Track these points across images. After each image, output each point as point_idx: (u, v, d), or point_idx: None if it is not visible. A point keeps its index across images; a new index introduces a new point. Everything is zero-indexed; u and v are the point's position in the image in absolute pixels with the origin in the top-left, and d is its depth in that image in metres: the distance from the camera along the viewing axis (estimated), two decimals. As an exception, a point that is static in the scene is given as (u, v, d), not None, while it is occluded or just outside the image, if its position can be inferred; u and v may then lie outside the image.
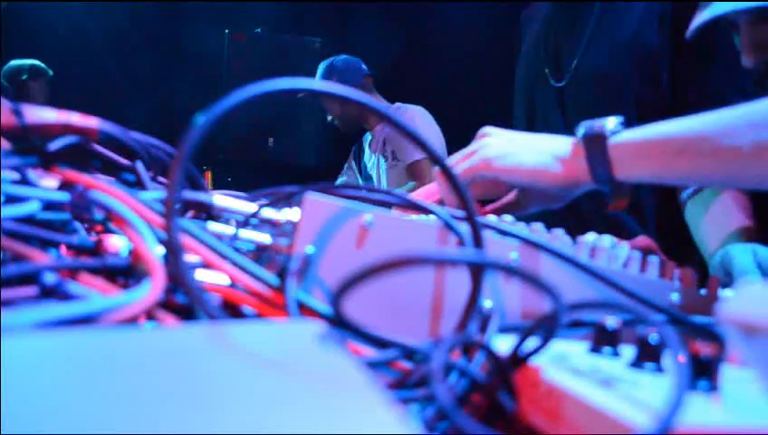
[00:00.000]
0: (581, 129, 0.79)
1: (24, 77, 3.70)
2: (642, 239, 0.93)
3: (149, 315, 0.39)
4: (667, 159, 0.75)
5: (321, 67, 3.11)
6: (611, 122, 0.78)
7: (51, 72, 3.80)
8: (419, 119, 2.93)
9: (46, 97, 3.70)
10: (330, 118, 3.22)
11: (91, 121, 0.53)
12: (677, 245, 1.03)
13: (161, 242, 0.43)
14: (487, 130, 0.86)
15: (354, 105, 0.47)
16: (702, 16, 0.99)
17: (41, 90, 3.72)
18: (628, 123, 0.79)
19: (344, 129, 3.17)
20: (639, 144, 0.77)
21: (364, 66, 3.15)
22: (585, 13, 1.36)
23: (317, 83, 0.44)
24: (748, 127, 0.72)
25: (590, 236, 0.69)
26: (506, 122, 1.04)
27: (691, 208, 1.22)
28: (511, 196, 0.89)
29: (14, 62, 3.75)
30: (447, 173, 0.47)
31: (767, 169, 0.72)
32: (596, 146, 0.77)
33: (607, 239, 0.70)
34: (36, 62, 3.77)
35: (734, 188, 1.15)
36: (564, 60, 1.38)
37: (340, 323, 0.42)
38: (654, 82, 1.28)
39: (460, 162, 0.84)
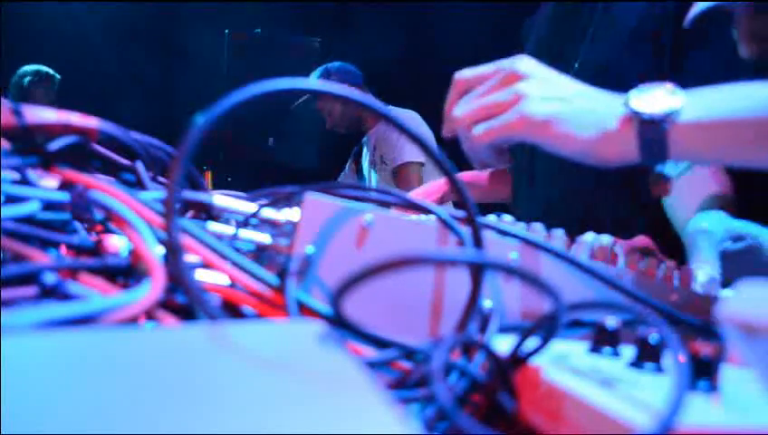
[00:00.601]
0: (631, 107, 0.67)
1: (27, 80, 3.68)
2: (641, 239, 0.93)
3: (149, 315, 0.39)
4: (735, 148, 0.67)
5: (317, 73, 3.11)
6: (673, 102, 0.66)
7: (58, 77, 3.76)
8: (410, 123, 2.90)
9: (51, 102, 3.67)
10: (328, 125, 3.20)
11: (91, 121, 0.53)
12: (671, 243, 1.02)
13: (161, 242, 0.43)
14: (521, 68, 0.72)
15: (353, 106, 0.46)
16: (700, 5, 0.98)
17: (45, 94, 3.69)
18: None
19: (343, 131, 3.16)
20: (705, 128, 0.66)
21: (358, 71, 3.15)
22: (588, 9, 1.36)
23: (317, 83, 0.44)
24: None
25: (590, 236, 0.69)
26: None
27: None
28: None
29: (21, 69, 3.73)
30: (447, 173, 0.47)
31: None
32: (653, 130, 0.66)
33: (605, 239, 0.70)
34: (41, 67, 3.75)
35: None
36: (568, 58, 1.38)
37: (340, 323, 0.42)
38: (658, 72, 1.28)
39: (494, 111, 0.70)
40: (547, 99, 0.69)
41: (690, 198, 1.12)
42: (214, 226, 0.50)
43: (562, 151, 0.70)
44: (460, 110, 0.73)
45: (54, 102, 3.62)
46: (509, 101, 0.70)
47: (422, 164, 2.91)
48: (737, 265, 0.91)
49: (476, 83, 0.74)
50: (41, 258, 0.41)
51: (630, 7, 1.31)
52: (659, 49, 1.28)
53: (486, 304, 0.51)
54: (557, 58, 1.40)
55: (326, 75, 3.06)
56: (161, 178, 0.58)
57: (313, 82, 0.44)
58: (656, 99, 0.67)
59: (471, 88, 0.75)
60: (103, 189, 0.46)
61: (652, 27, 1.28)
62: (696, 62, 1.24)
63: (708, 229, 0.96)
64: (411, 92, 3.24)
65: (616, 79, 1.32)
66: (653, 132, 0.66)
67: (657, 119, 0.66)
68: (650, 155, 0.67)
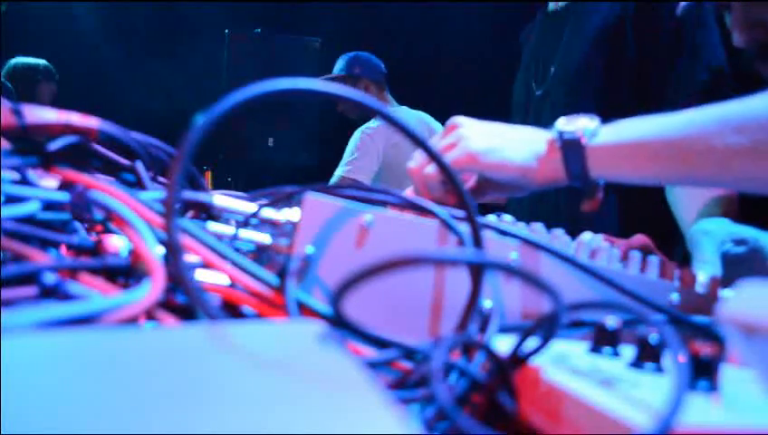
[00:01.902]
0: (557, 130, 0.79)
1: (40, 78, 3.69)
2: (639, 238, 0.93)
3: (149, 315, 0.39)
4: (642, 162, 0.75)
5: (344, 58, 3.13)
6: (589, 124, 0.77)
7: (57, 76, 3.80)
8: (416, 123, 2.93)
9: (53, 99, 3.70)
10: (339, 108, 3.21)
11: (91, 121, 0.53)
12: (653, 237, 1.02)
13: (161, 242, 0.43)
14: (458, 120, 0.84)
15: (351, 103, 0.47)
16: None
17: (50, 92, 3.72)
18: (604, 120, 0.80)
19: (354, 118, 3.16)
20: (615, 148, 0.76)
21: (382, 66, 3.17)
22: (564, 12, 1.40)
23: (317, 83, 0.44)
24: (721, 131, 0.71)
25: (588, 236, 0.69)
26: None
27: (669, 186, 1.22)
28: (471, 182, 0.87)
29: (24, 60, 3.73)
30: (447, 172, 0.47)
31: (741, 174, 0.72)
32: (572, 149, 0.77)
33: (599, 239, 0.70)
34: (47, 63, 3.76)
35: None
36: (547, 68, 1.42)
37: (340, 323, 0.42)
38: (626, 77, 1.30)
39: (443, 153, 0.81)
40: (484, 135, 0.81)
41: (695, 199, 1.13)
42: (214, 226, 0.50)
43: (502, 177, 0.81)
44: (414, 162, 0.83)
45: (55, 97, 3.66)
46: (454, 143, 0.81)
47: None
48: (739, 268, 0.91)
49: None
50: (41, 258, 0.41)
51: (596, 8, 1.35)
52: (624, 45, 1.30)
53: (486, 304, 0.51)
54: (540, 71, 1.44)
55: (352, 63, 3.10)
56: (161, 178, 0.58)
57: (314, 82, 0.44)
58: (577, 122, 0.78)
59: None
60: (103, 189, 0.46)
61: (615, 25, 1.31)
62: (684, 68, 1.26)
63: (710, 231, 0.97)
64: (411, 92, 3.24)
65: (587, 86, 1.34)
66: (573, 149, 0.76)
67: (575, 136, 0.76)
68: (574, 173, 0.77)
